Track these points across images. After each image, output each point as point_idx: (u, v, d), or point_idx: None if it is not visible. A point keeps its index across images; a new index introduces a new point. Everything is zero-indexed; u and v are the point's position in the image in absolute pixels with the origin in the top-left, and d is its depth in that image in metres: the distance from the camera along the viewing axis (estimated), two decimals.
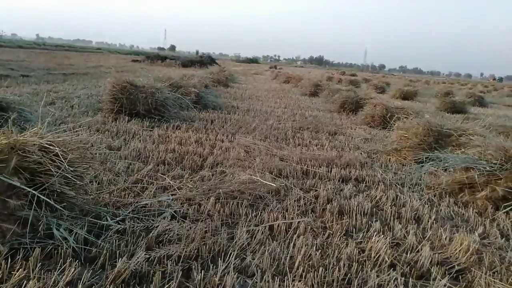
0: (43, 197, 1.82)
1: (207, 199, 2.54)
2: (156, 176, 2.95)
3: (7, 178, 1.75)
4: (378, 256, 2.02)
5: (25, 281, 1.54)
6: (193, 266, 1.77)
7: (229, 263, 1.81)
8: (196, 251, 1.90)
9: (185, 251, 1.86)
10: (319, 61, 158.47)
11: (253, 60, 77.12)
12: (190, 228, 2.09)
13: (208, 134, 4.69)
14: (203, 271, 1.72)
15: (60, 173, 1.90)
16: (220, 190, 2.67)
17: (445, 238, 2.30)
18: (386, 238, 2.23)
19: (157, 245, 1.93)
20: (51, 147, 1.93)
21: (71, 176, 1.97)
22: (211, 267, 1.78)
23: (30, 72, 10.47)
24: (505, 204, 2.71)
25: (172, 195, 2.57)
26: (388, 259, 2.00)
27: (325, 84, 13.05)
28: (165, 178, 2.87)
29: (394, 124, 4.90)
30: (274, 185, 2.83)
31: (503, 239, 2.41)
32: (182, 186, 2.76)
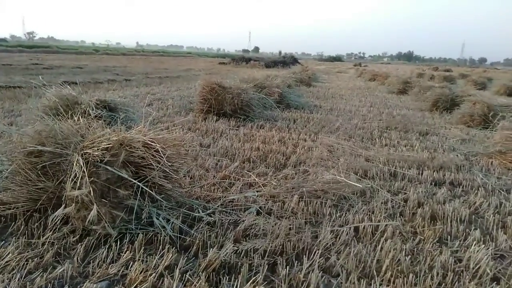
0: (146, 189, 2.03)
1: (291, 197, 2.57)
2: (242, 173, 3.08)
3: (117, 171, 1.99)
4: (478, 268, 1.84)
5: (131, 262, 1.74)
6: (278, 261, 1.81)
7: (313, 261, 1.82)
8: (281, 246, 1.94)
9: (271, 246, 1.92)
10: (408, 57, 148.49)
11: (336, 59, 75.41)
12: (275, 224, 2.14)
13: (291, 133, 4.74)
14: (287, 267, 1.76)
15: (160, 167, 2.10)
16: (304, 188, 2.69)
17: None
18: (488, 248, 2.03)
19: (244, 239, 2.02)
20: (152, 143, 2.14)
21: (169, 170, 2.17)
22: (295, 264, 1.81)
23: (131, 76, 11.67)
24: None
25: (257, 191, 2.66)
26: (491, 271, 1.81)
27: (415, 81, 12.21)
28: (251, 175, 2.98)
29: (498, 124, 4.39)
30: (360, 185, 2.75)
31: None
32: (266, 183, 2.83)
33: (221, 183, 2.81)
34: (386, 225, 2.26)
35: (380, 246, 2.00)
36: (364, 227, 2.23)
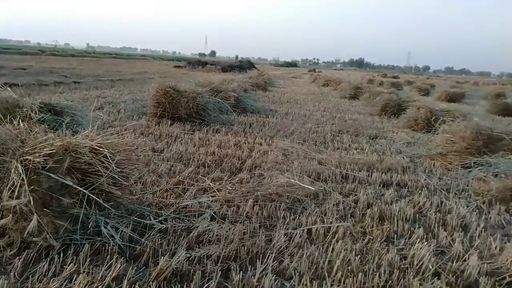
0: (93, 196, 1.94)
1: (246, 201, 2.57)
2: (197, 178, 3.03)
3: (61, 178, 1.87)
4: (421, 264, 1.95)
5: (75, 275, 1.64)
6: (232, 267, 1.80)
7: (267, 265, 1.82)
8: (235, 252, 1.93)
9: (224, 252, 1.90)
10: (360, 64, 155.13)
11: (292, 64, 77.01)
12: (229, 229, 2.13)
13: (246, 137, 4.75)
14: (241, 272, 1.75)
15: (108, 173, 2.01)
16: (259, 192, 2.70)
17: (495, 248, 2.18)
18: (430, 245, 2.15)
19: (197, 245, 1.98)
20: (100, 149, 2.04)
21: (118, 177, 2.08)
22: (249, 268, 1.80)
23: (81, 79, 11.14)
24: None
25: (211, 196, 2.63)
26: (432, 267, 1.92)
27: (365, 86, 12.76)
28: (205, 180, 2.94)
29: (439, 128, 4.69)
30: (313, 188, 2.81)
31: None
32: (221, 188, 2.81)
33: (175, 189, 2.75)
34: (337, 226, 2.33)
35: (331, 247, 2.06)
36: (316, 229, 2.28)
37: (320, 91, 13.99)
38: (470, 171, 3.45)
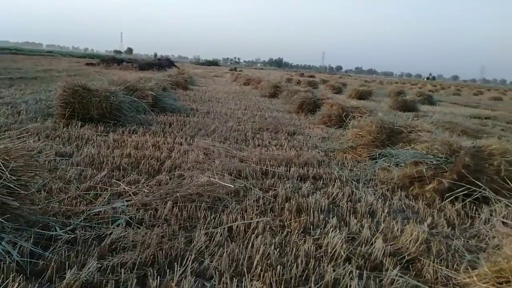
0: None
1: (164, 204, 2.48)
2: (111, 182, 2.85)
3: None
4: (334, 251, 2.07)
5: None
6: (149, 273, 1.72)
7: (186, 267, 1.78)
8: (152, 257, 1.85)
9: (141, 258, 1.81)
10: (279, 63, 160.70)
11: (213, 63, 76.79)
12: (146, 234, 2.04)
13: (166, 137, 4.60)
14: (159, 277, 1.68)
15: (1, 183, 1.78)
16: (178, 194, 2.62)
17: (397, 230, 2.40)
18: (342, 233, 2.29)
19: (110, 254, 1.85)
20: None
21: (14, 186, 1.86)
22: (168, 273, 1.74)
23: None
24: (447, 194, 2.88)
25: (127, 201, 2.49)
26: (344, 253, 2.06)
27: (284, 85, 13.23)
28: (120, 184, 2.77)
29: (350, 123, 5.05)
30: (232, 186, 2.82)
31: (449, 228, 2.56)
32: (138, 191, 2.68)
33: (85, 195, 2.54)
34: (257, 221, 2.37)
35: (251, 243, 2.08)
36: (237, 226, 2.29)
37: (241, 89, 14.17)
38: (376, 162, 3.77)
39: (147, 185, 2.83)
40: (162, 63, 27.91)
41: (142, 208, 2.42)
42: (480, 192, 2.73)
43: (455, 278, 1.76)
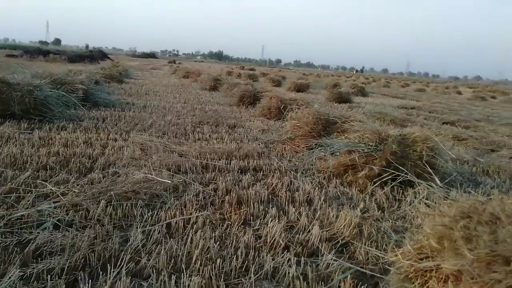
0: None
1: (97, 203, 2.35)
2: (36, 184, 2.62)
3: None
4: (274, 240, 2.11)
5: None
6: (79, 277, 1.62)
7: (121, 267, 1.70)
8: (83, 260, 1.74)
9: (70, 262, 1.69)
10: (219, 56, 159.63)
11: (151, 55, 74.13)
12: (76, 236, 1.91)
13: (99, 133, 4.35)
14: (91, 280, 1.59)
15: None
16: (112, 192, 2.50)
17: (332, 216, 2.52)
18: (281, 222, 2.35)
19: (35, 260, 1.71)
20: None
21: None
22: (101, 275, 1.65)
23: None
24: (375, 180, 3.08)
25: (54, 202, 2.31)
26: (283, 242, 2.11)
27: (224, 78, 13.19)
28: (47, 185, 2.57)
29: (288, 115, 5.17)
30: (169, 181, 2.75)
31: (380, 211, 2.74)
32: (67, 191, 2.50)
33: (5, 199, 2.32)
34: (197, 216, 2.34)
35: (191, 238, 2.05)
36: (176, 222, 2.24)
37: (181, 82, 13.85)
38: (313, 152, 3.90)
39: (77, 185, 2.65)
40: (95, 55, 26.31)
41: (72, 209, 2.26)
42: (404, 176, 2.95)
43: (383, 257, 1.89)
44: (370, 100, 13.31)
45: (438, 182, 2.00)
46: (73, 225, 2.08)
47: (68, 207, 2.29)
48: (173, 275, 1.70)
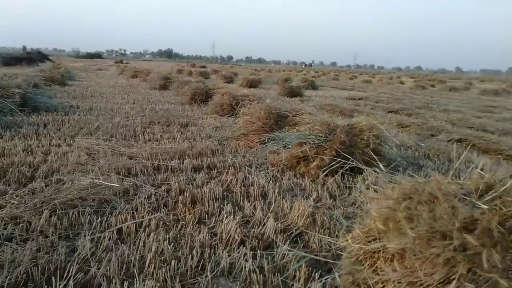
0: None
1: (40, 214, 2.21)
2: None
3: None
4: (229, 237, 2.11)
5: None
6: None
7: (69, 279, 1.61)
8: (25, 275, 1.63)
9: (10, 279, 1.57)
10: (169, 54, 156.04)
11: (96, 55, 70.78)
12: (16, 251, 1.78)
13: (40, 140, 4.09)
14: None
15: None
16: (56, 201, 2.36)
17: (287, 208, 2.56)
18: (236, 218, 2.34)
19: None
20: None
21: None
22: None
23: None
24: (323, 169, 3.18)
25: None
26: (238, 237, 2.11)
27: (175, 76, 12.90)
28: None
29: (241, 111, 5.17)
30: (118, 185, 2.65)
31: (332, 199, 2.82)
32: (5, 203, 2.33)
33: None
34: (149, 219, 2.27)
35: (143, 241, 1.99)
36: (127, 227, 2.16)
37: (129, 83, 13.37)
38: (266, 146, 3.94)
39: (16, 196, 2.47)
40: (33, 57, 24.63)
41: (11, 223, 2.10)
42: (351, 164, 3.06)
43: (335, 243, 1.95)
44: (321, 93, 13.68)
45: (382, 167, 2.09)
46: (13, 239, 1.94)
47: (6, 220, 2.12)
48: (125, 282, 1.64)
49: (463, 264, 1.32)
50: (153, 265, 1.77)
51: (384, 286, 1.52)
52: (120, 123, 5.34)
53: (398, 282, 1.47)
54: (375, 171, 2.28)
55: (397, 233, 1.53)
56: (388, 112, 8.52)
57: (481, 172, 1.67)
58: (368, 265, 1.59)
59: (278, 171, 3.45)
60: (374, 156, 2.95)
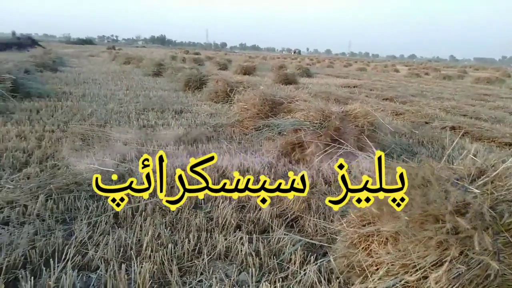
0: None
1: (36, 199, 2.21)
2: None
3: None
4: (225, 221, 2.13)
5: None
6: (20, 275, 1.52)
7: (67, 261, 1.63)
8: (23, 258, 1.64)
9: (8, 261, 1.58)
10: (162, 41, 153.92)
11: (87, 41, 69.66)
12: (13, 233, 1.79)
13: (33, 126, 4.05)
14: (33, 278, 1.50)
15: None
16: (52, 185, 2.36)
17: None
18: (232, 203, 2.36)
19: None
20: None
21: None
22: (44, 271, 1.56)
23: None
24: (317, 154, 3.21)
25: None
26: (234, 221, 2.13)
27: (168, 63, 12.78)
28: None
29: (235, 98, 5.16)
30: (113, 170, 2.65)
31: (326, 185, 2.85)
32: (0, 188, 2.32)
33: None
34: (145, 204, 2.28)
35: (140, 225, 2.00)
36: (124, 211, 2.17)
37: (122, 69, 13.21)
38: (261, 133, 3.95)
39: (12, 180, 2.47)
40: (23, 43, 24.15)
41: (7, 207, 2.11)
42: (345, 149, 3.09)
43: (330, 228, 1.98)
44: (315, 80, 13.65)
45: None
46: (9, 223, 1.95)
47: (2, 204, 2.12)
48: (123, 264, 1.66)
49: (455, 246, 1.36)
50: (150, 248, 1.79)
51: (378, 268, 1.55)
52: (114, 109, 5.30)
53: (392, 265, 1.51)
54: (369, 157, 2.31)
55: (391, 217, 1.56)
56: (383, 99, 8.55)
57: (473, 157, 1.70)
58: (363, 248, 1.63)
59: (273, 157, 3.46)
60: (369, 142, 2.98)
